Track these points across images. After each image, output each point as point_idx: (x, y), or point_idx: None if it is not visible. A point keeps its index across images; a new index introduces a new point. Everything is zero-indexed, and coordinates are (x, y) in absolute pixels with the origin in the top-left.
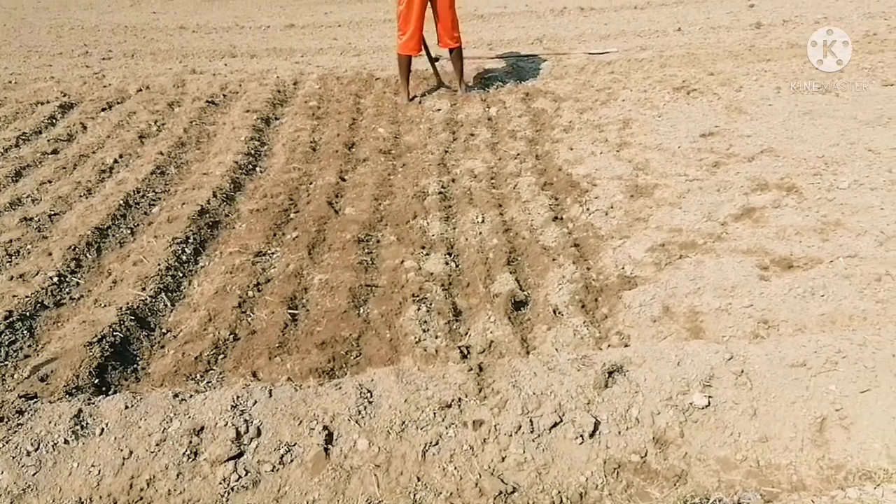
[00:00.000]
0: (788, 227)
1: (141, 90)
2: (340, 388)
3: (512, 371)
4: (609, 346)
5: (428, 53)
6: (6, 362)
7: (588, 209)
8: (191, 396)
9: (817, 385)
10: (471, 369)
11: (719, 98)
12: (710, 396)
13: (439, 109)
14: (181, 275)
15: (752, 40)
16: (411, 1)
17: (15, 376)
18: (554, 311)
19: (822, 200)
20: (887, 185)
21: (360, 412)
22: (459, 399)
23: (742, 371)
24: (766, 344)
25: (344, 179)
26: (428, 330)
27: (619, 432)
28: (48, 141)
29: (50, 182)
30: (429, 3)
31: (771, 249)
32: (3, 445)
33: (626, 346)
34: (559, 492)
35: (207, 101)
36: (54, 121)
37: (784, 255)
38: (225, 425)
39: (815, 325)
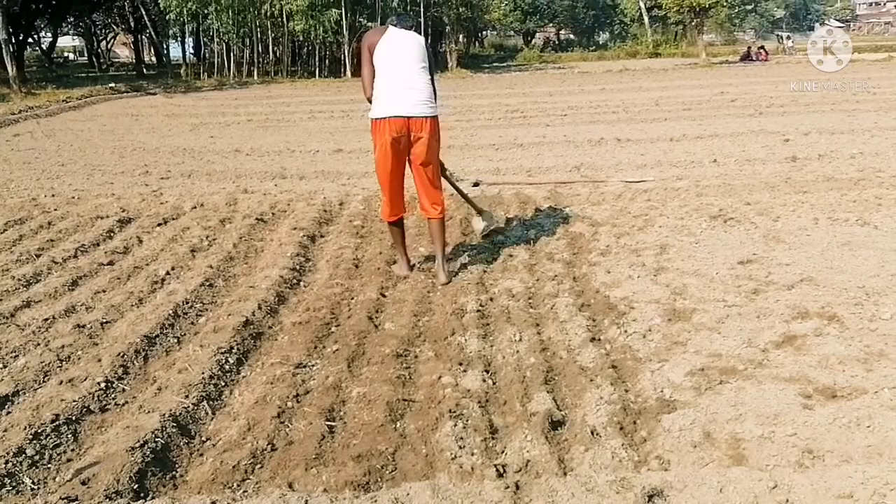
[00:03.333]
0: (831, 355)
1: (195, 207)
2: (376, 501)
3: (549, 491)
4: (648, 469)
5: (448, 180)
6: (49, 464)
7: (626, 331)
8: None
9: None
10: (507, 487)
11: (756, 227)
12: None
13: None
14: (223, 384)
15: (788, 173)
16: (384, 149)
17: (57, 479)
18: (592, 432)
19: (865, 330)
20: None
21: None
22: None
23: (787, 500)
24: (811, 473)
25: (384, 295)
26: (464, 446)
27: None
28: (105, 253)
29: (104, 291)
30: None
31: (814, 378)
32: None
33: (665, 470)
34: None
35: (257, 219)
36: (112, 234)
37: (827, 384)
38: None
39: (861, 457)
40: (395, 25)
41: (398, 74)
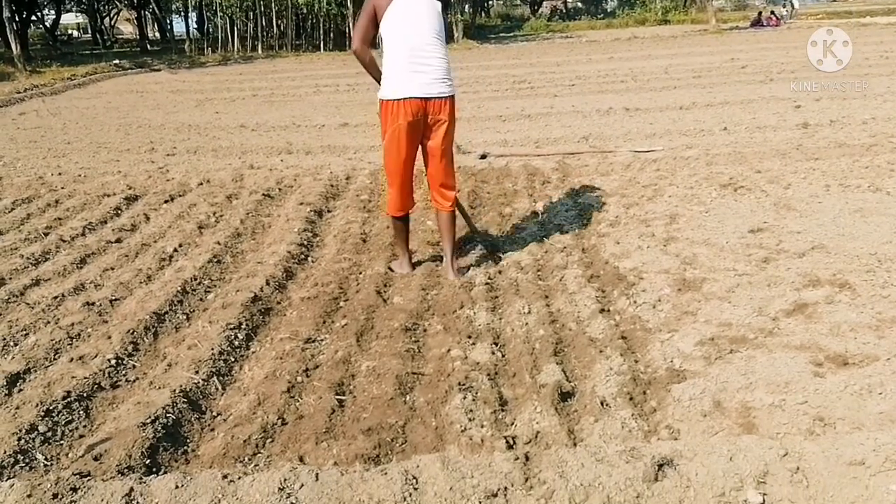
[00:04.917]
0: (842, 323)
1: (202, 184)
2: (386, 473)
3: (559, 461)
4: (658, 439)
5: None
6: (62, 441)
7: (635, 302)
8: (239, 478)
9: (877, 484)
10: (517, 458)
11: (767, 195)
12: (764, 494)
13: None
14: (233, 359)
15: (800, 140)
16: (397, 135)
17: (70, 455)
18: (601, 403)
19: (877, 297)
20: None
21: (405, 498)
22: (505, 488)
23: (798, 468)
24: (823, 441)
25: (392, 269)
26: (473, 419)
27: None
28: (113, 230)
29: (112, 269)
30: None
31: (825, 346)
32: None
33: (675, 439)
34: None
35: (264, 195)
36: (119, 212)
37: (839, 352)
38: None
39: (872, 424)
40: None
41: (413, 48)
